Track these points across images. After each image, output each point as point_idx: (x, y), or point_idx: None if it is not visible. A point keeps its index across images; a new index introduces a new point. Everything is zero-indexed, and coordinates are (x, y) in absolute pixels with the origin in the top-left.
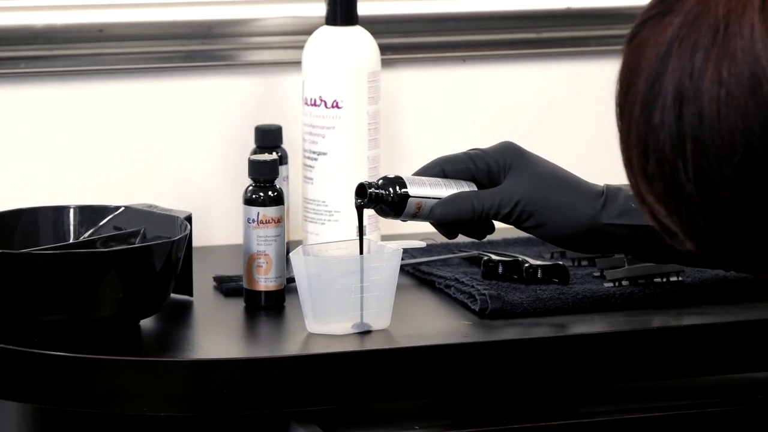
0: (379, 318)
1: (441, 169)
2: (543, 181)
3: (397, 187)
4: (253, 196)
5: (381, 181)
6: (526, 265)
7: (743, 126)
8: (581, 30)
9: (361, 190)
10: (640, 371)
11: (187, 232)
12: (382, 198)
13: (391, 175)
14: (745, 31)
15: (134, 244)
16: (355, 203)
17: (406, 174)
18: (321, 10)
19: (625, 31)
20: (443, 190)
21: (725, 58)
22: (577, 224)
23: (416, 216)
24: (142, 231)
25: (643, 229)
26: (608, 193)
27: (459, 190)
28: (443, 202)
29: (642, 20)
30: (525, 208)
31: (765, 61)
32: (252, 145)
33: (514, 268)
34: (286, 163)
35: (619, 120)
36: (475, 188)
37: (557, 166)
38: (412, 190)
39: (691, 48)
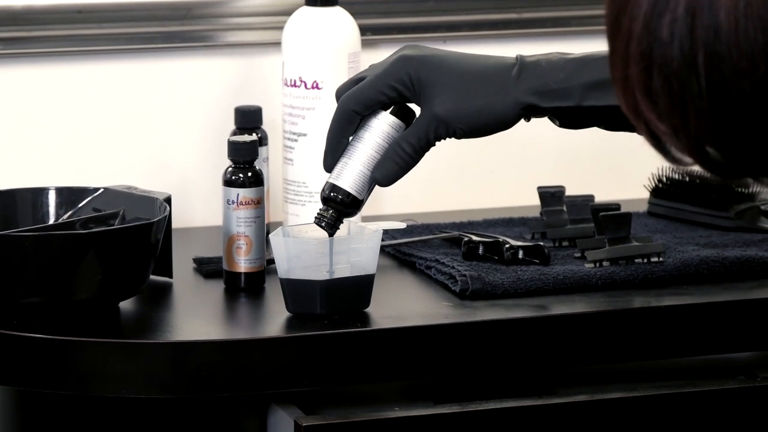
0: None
1: (353, 112)
2: (454, 88)
3: (341, 195)
4: (233, 177)
5: (324, 200)
6: (507, 246)
7: (764, 39)
8: (562, 10)
9: (319, 225)
10: (621, 352)
11: (167, 213)
12: (339, 218)
13: (324, 189)
14: None
15: (113, 225)
16: (329, 234)
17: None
18: None
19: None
20: (364, 150)
21: None
22: (502, 118)
23: (371, 190)
24: (121, 212)
25: (564, 109)
26: (521, 67)
27: (378, 138)
28: (378, 166)
29: None
30: (449, 127)
31: None
32: (232, 126)
33: (494, 249)
34: (266, 144)
35: (614, 36)
36: (387, 115)
37: (459, 55)
38: (345, 184)
39: None
